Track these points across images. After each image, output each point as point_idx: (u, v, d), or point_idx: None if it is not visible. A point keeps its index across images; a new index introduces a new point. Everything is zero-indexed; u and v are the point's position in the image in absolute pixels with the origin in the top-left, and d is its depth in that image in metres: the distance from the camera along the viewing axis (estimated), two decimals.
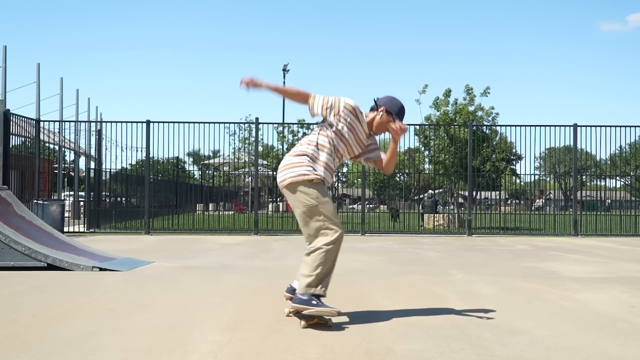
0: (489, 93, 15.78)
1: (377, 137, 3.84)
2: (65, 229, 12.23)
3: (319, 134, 3.54)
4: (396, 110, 3.64)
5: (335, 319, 3.48)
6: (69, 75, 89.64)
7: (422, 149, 15.57)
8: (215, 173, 22.02)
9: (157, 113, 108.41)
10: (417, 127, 14.97)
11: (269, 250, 8.83)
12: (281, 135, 18.34)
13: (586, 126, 12.92)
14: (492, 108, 15.55)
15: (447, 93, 15.76)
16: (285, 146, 18.19)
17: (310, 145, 3.52)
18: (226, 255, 7.98)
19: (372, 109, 3.70)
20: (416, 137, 15.33)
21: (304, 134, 17.49)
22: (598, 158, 15.01)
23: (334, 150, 3.54)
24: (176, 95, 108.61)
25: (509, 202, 22.50)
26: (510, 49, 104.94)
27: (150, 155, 12.74)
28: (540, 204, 19.50)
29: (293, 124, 18.75)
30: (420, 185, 17.02)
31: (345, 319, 3.60)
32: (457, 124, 14.78)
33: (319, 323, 3.36)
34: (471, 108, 15.38)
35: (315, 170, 3.45)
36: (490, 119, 15.52)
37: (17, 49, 78.51)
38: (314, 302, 3.30)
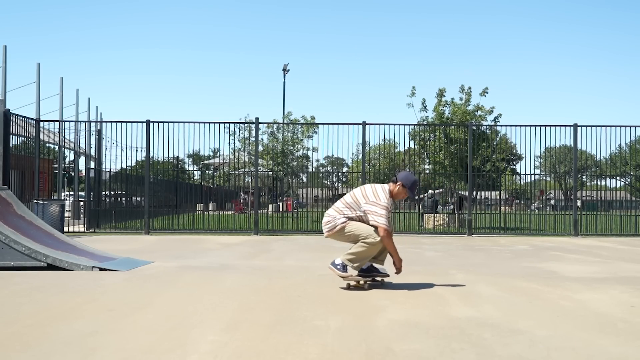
0: (487, 93, 15.67)
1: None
2: (65, 229, 12.22)
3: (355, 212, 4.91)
4: (409, 185, 4.90)
5: (335, 320, 3.54)
6: (69, 75, 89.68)
7: (420, 150, 15.48)
8: (215, 173, 22.03)
9: (157, 113, 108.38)
10: (412, 127, 14.84)
11: (269, 250, 8.82)
12: (272, 137, 18.32)
13: (586, 126, 12.93)
14: (493, 108, 15.44)
15: (441, 93, 15.59)
16: (280, 146, 18.13)
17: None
18: (226, 255, 7.98)
19: (392, 181, 4.99)
20: (412, 140, 15.26)
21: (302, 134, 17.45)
22: (598, 158, 15.01)
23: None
24: (176, 95, 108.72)
25: (509, 201, 22.52)
26: (510, 48, 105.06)
27: (150, 155, 12.74)
28: (540, 204, 19.51)
29: (292, 123, 18.75)
30: (420, 185, 17.01)
31: (345, 319, 3.60)
32: (455, 124, 14.74)
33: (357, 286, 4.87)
34: (469, 107, 15.28)
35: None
36: (492, 119, 15.42)
37: (17, 49, 78.72)
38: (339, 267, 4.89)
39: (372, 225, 4.80)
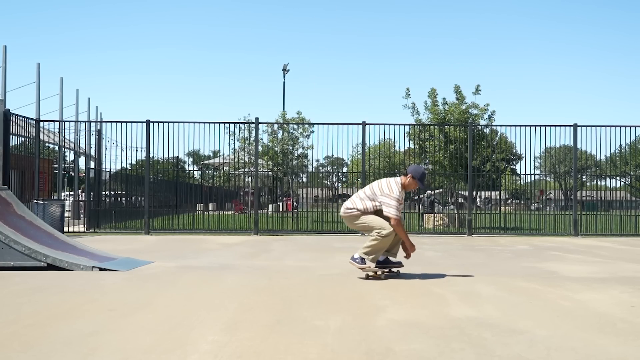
0: (480, 91, 15.58)
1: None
2: (65, 229, 12.22)
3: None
4: (418, 176, 5.49)
5: (335, 320, 3.53)
6: (69, 75, 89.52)
7: (418, 150, 15.41)
8: (215, 173, 22.04)
9: (157, 113, 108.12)
10: (410, 127, 14.78)
11: (269, 250, 8.83)
12: (272, 137, 18.30)
13: (586, 126, 12.92)
14: (487, 105, 15.32)
15: (433, 94, 15.49)
16: (278, 146, 18.08)
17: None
18: (226, 255, 7.99)
19: (403, 174, 5.62)
20: (410, 141, 15.20)
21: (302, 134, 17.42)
22: (598, 158, 15.00)
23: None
24: (176, 95, 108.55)
25: (509, 202, 22.53)
26: (510, 49, 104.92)
27: (150, 155, 12.75)
28: (540, 204, 19.51)
29: (293, 123, 18.73)
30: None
31: (345, 319, 3.60)
32: (454, 124, 14.72)
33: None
34: (463, 107, 15.21)
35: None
36: (487, 117, 15.34)
37: (17, 49, 78.56)
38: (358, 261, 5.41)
39: (385, 217, 5.36)
